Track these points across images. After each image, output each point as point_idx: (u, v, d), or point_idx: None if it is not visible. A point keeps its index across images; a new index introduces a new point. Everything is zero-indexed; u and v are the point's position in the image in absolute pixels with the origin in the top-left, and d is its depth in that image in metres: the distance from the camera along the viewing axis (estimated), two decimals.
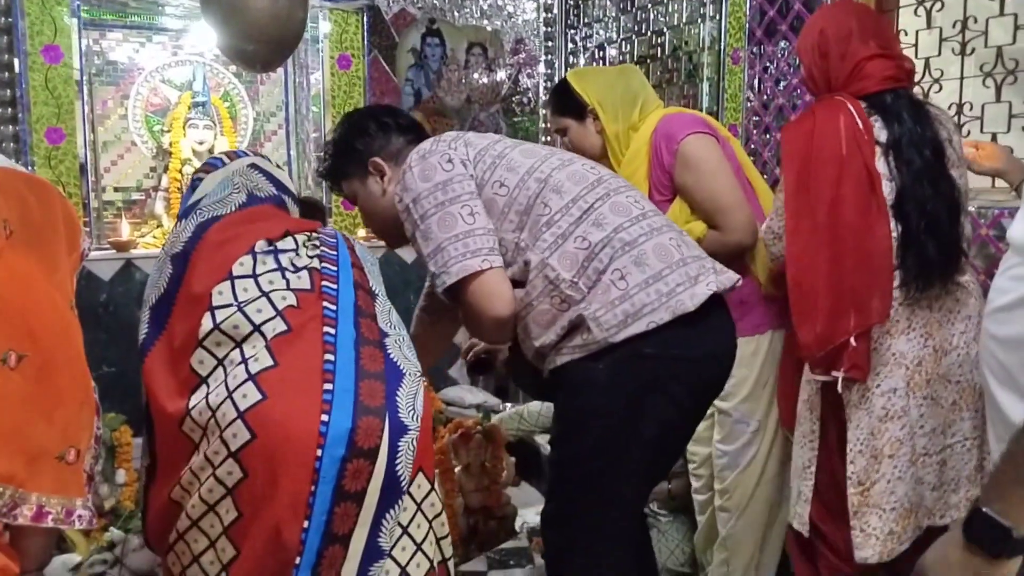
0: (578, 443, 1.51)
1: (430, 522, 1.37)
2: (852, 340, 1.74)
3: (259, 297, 1.35)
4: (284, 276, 1.41)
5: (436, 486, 1.40)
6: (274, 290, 1.38)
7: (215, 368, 1.32)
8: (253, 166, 1.68)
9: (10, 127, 3.20)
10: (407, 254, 3.75)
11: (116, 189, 3.66)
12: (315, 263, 1.45)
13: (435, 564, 1.38)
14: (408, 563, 1.32)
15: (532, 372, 1.67)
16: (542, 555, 1.64)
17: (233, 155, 1.71)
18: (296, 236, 1.50)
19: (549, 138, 4.41)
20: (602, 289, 1.44)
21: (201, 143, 3.58)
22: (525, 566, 2.06)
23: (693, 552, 2.44)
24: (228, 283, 1.37)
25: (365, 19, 3.92)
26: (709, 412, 1.96)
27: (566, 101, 2.19)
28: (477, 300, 1.51)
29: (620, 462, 1.49)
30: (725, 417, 2.19)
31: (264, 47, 2.41)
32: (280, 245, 1.46)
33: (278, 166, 1.77)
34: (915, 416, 1.80)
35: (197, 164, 3.57)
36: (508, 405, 3.29)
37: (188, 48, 3.74)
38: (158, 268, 1.50)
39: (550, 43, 4.44)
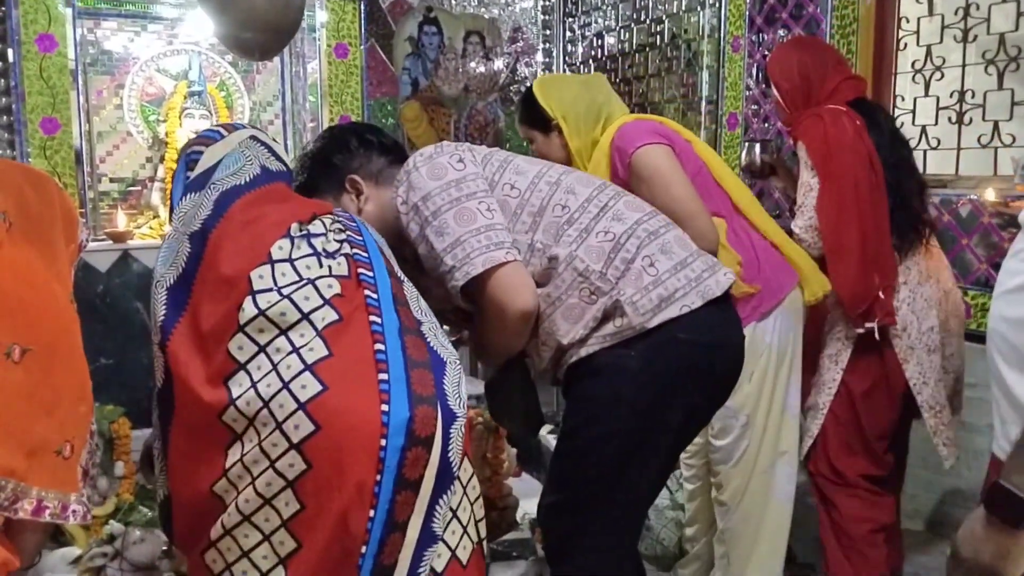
0: (601, 430, 1.50)
1: (472, 504, 1.39)
2: (880, 294, 2.15)
3: (304, 284, 1.33)
4: (321, 262, 1.38)
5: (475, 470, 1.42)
6: (319, 277, 1.35)
7: (256, 355, 1.28)
8: (254, 138, 1.62)
9: (4, 117, 3.17)
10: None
11: (112, 179, 3.63)
12: (346, 248, 1.42)
13: (475, 545, 1.39)
14: (457, 546, 1.33)
15: (522, 403, 1.76)
16: (551, 544, 1.63)
17: (231, 127, 1.65)
18: (323, 219, 1.46)
19: None
20: (634, 275, 1.47)
21: (197, 133, 3.55)
22: (528, 557, 2.06)
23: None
24: (268, 267, 1.34)
25: (362, 7, 3.89)
26: None
27: (532, 113, 2.17)
28: (503, 292, 1.48)
29: (643, 450, 1.50)
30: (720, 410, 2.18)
31: (262, 35, 2.39)
32: (311, 229, 1.43)
33: (273, 139, 1.71)
34: (945, 346, 2.28)
35: None
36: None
37: (183, 37, 3.71)
38: (172, 247, 1.42)
39: (548, 31, 4.42)
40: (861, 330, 2.20)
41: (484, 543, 1.44)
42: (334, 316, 1.31)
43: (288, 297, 1.31)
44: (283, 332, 1.29)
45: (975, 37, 2.66)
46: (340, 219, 1.49)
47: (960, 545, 1.04)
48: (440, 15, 4.18)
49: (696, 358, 1.48)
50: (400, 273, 1.48)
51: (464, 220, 1.49)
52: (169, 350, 1.34)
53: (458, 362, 1.38)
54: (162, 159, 3.57)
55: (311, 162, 1.74)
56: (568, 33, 4.38)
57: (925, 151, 2.82)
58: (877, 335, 2.19)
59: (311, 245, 1.39)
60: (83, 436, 1.25)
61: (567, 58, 4.39)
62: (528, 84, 4.42)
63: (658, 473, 1.60)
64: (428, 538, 1.28)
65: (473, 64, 4.30)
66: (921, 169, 2.82)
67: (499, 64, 4.38)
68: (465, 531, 1.36)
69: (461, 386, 1.35)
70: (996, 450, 1.43)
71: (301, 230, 1.41)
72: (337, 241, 1.42)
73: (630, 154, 2.00)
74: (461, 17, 4.24)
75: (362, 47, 3.90)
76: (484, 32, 4.31)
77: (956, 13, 2.69)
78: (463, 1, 4.26)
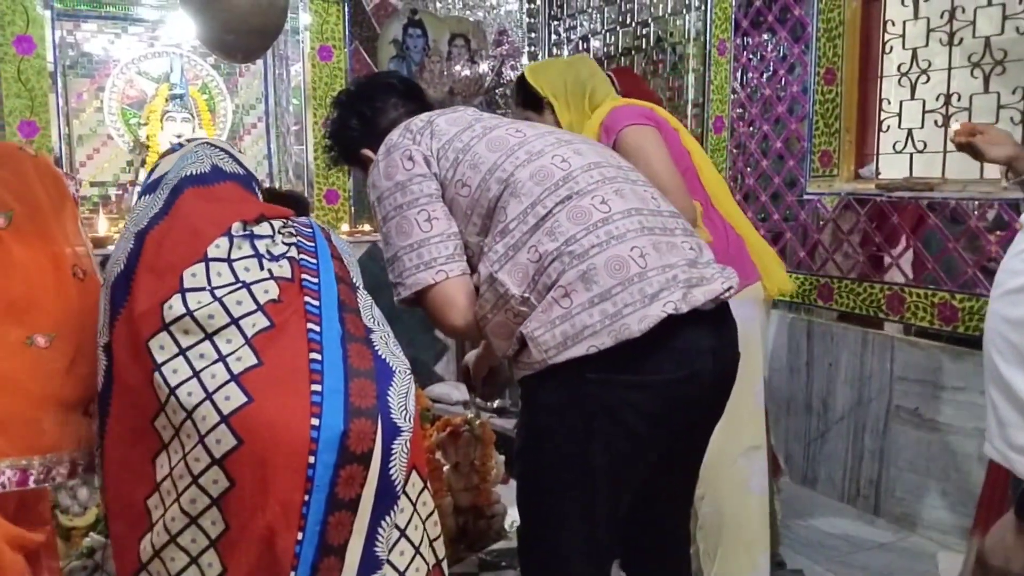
0: (532, 462, 1.44)
1: (423, 522, 1.32)
2: None
3: (239, 287, 1.26)
4: (262, 265, 1.31)
5: (427, 484, 1.35)
6: (256, 280, 1.29)
7: (174, 356, 1.22)
8: (209, 143, 1.59)
9: None
10: None
11: (92, 183, 3.58)
12: (293, 252, 1.37)
13: (431, 566, 1.32)
14: (408, 568, 1.27)
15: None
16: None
17: (190, 140, 1.64)
18: (272, 222, 1.40)
19: None
20: (544, 307, 1.33)
21: (179, 136, 3.51)
22: (516, 567, 2.03)
23: None
24: (202, 265, 1.27)
25: (346, 10, 3.86)
26: None
27: (525, 95, 2.25)
28: (432, 310, 1.49)
29: (572, 487, 1.40)
30: None
31: (245, 37, 2.36)
32: (256, 230, 1.37)
33: (234, 146, 1.68)
34: None
35: None
36: (495, 402, 3.26)
37: (165, 39, 3.67)
38: (119, 247, 1.38)
39: (533, 34, 4.40)
40: None
41: (444, 565, 1.36)
42: (265, 323, 1.24)
43: (220, 300, 1.25)
44: (208, 337, 1.23)
45: (960, 40, 2.66)
46: (294, 224, 1.43)
47: (989, 553, 1.03)
48: (425, 18, 4.15)
49: (609, 398, 1.33)
50: (358, 281, 1.43)
51: (402, 233, 1.47)
52: (113, 351, 1.29)
53: (409, 372, 1.31)
54: (143, 163, 3.53)
55: (331, 142, 1.75)
56: (554, 36, 4.36)
57: (911, 154, 2.82)
58: None
59: (253, 246, 1.33)
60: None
61: None
62: (512, 87, 4.42)
63: (613, 512, 1.44)
64: (371, 563, 1.21)
65: (458, 67, 4.27)
66: (907, 172, 2.83)
67: (484, 67, 4.35)
68: (417, 551, 1.28)
69: (409, 397, 1.27)
70: (990, 452, 1.42)
71: (244, 229, 1.34)
72: (285, 244, 1.36)
73: (617, 131, 2.04)
74: (446, 20, 4.22)
75: (346, 49, 3.87)
76: (469, 35, 4.29)
77: (941, 16, 2.69)
78: (448, 4, 4.24)
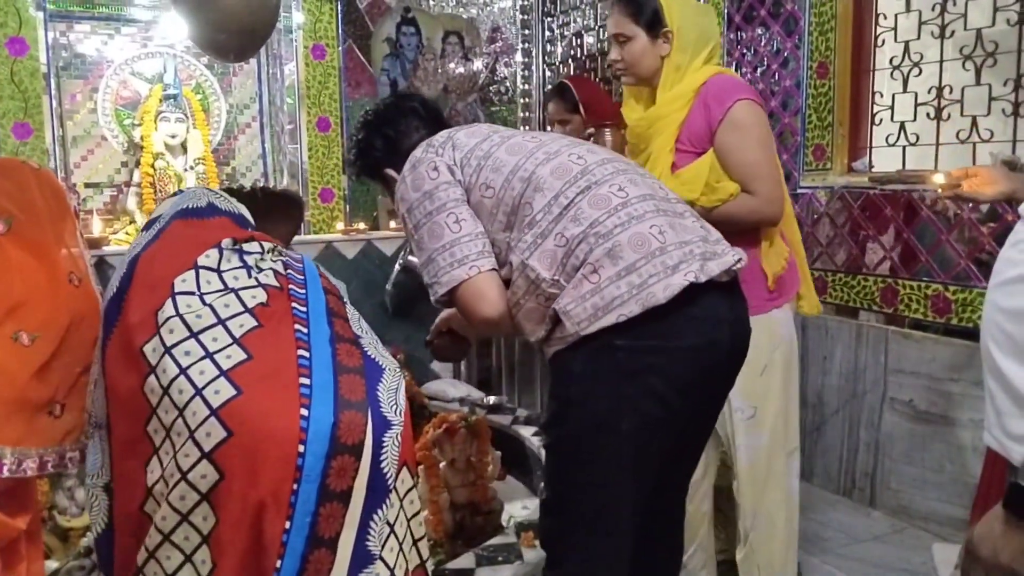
0: (560, 431, 1.52)
1: (408, 520, 1.33)
2: None
3: (227, 292, 1.30)
4: (250, 274, 1.36)
5: (418, 483, 1.36)
6: (243, 287, 1.32)
7: (162, 356, 1.24)
8: (209, 189, 1.67)
9: None
10: (387, 247, 3.71)
11: (87, 185, 3.58)
12: (280, 267, 1.42)
13: (413, 567, 1.32)
14: (395, 564, 1.27)
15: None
16: (541, 544, 1.61)
17: (184, 191, 1.71)
18: (263, 243, 1.46)
19: (528, 126, 4.38)
20: (574, 284, 1.44)
21: (173, 136, 3.52)
22: (513, 562, 2.03)
23: None
24: (192, 272, 1.31)
25: (339, 8, 3.86)
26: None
27: (644, 8, 2.04)
28: (465, 304, 1.56)
29: (602, 453, 1.47)
30: (727, 408, 2.08)
31: (237, 36, 2.36)
32: (245, 247, 1.43)
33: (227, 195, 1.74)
34: None
35: (170, 158, 3.51)
36: (491, 398, 3.26)
37: (158, 40, 3.67)
38: (115, 274, 1.44)
39: (527, 31, 4.40)
40: None
41: (428, 566, 1.37)
42: (253, 323, 1.28)
43: (209, 304, 1.28)
44: (193, 335, 1.25)
45: (952, 33, 2.67)
46: (286, 253, 1.49)
47: (978, 544, 1.03)
48: (418, 15, 4.15)
49: (637, 364, 1.42)
50: (346, 299, 1.48)
51: (434, 236, 1.56)
52: (106, 369, 1.33)
53: (398, 371, 1.34)
54: (138, 163, 3.53)
55: (357, 163, 1.87)
56: (547, 33, 4.36)
57: (904, 147, 2.82)
58: None
59: (242, 260, 1.38)
60: (78, 401, 1.44)
61: (546, 58, 4.38)
62: (507, 84, 4.42)
63: (638, 480, 1.52)
64: (362, 556, 1.21)
65: (452, 64, 4.27)
66: (900, 165, 2.84)
67: (478, 64, 4.36)
68: (401, 549, 1.29)
69: (399, 393, 1.30)
70: (988, 440, 1.42)
71: (234, 245, 1.40)
72: (273, 261, 1.41)
73: (734, 100, 1.96)
74: (439, 17, 4.22)
75: (339, 48, 3.87)
76: (463, 32, 4.29)
77: (933, 9, 2.70)
78: (441, 1, 4.24)
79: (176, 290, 1.28)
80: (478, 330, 1.72)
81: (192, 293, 1.28)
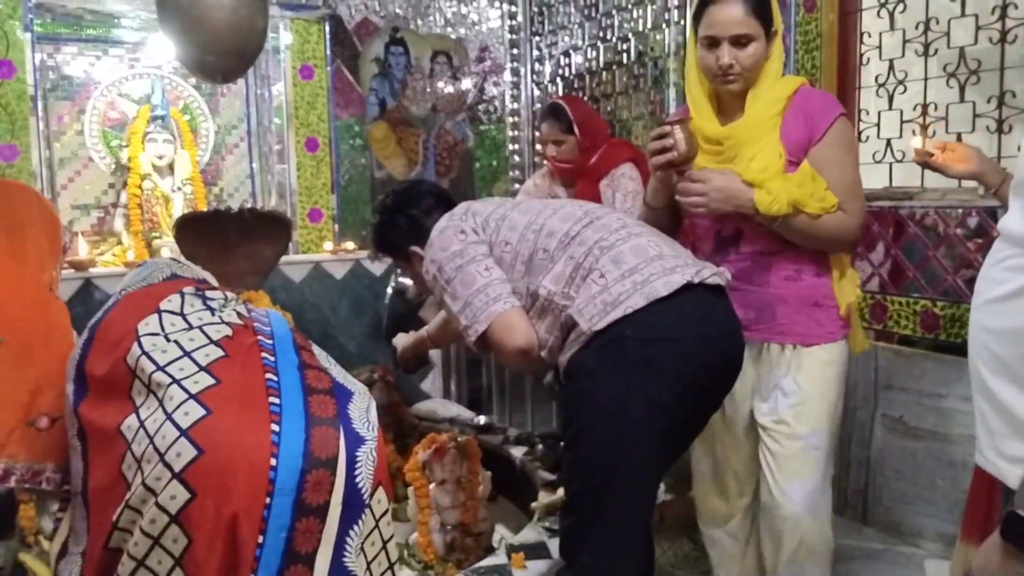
0: (575, 429, 1.63)
1: (384, 543, 1.32)
2: None
3: (191, 329, 1.32)
4: (213, 313, 1.40)
5: (392, 507, 1.36)
6: (207, 323, 1.36)
7: (147, 397, 1.26)
8: (175, 259, 1.71)
9: None
10: (376, 267, 3.70)
11: (74, 207, 3.56)
12: (243, 309, 1.45)
13: None
14: None
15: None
16: (560, 548, 1.70)
17: (155, 261, 1.74)
18: (226, 293, 1.51)
19: (517, 146, 4.39)
20: (585, 288, 1.63)
21: (161, 157, 3.51)
22: None
23: None
24: (155, 316, 1.34)
25: (327, 29, 3.87)
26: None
27: (765, 4, 1.88)
28: (500, 336, 1.72)
29: (615, 443, 1.57)
30: (790, 442, 1.93)
31: (224, 57, 2.36)
32: (208, 294, 1.47)
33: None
34: None
35: (157, 179, 3.50)
36: (482, 418, 3.24)
37: (146, 61, 3.66)
38: (78, 344, 1.47)
39: (515, 51, 4.42)
40: None
41: None
42: (220, 352, 1.30)
43: (174, 341, 1.30)
44: (161, 368, 1.26)
45: (936, 51, 2.69)
46: (248, 306, 1.52)
47: (977, 574, 1.02)
48: (406, 35, 4.17)
49: (646, 354, 1.57)
50: (314, 345, 1.49)
51: (467, 283, 1.74)
52: (85, 429, 1.34)
53: (367, 394, 1.36)
54: (125, 185, 3.51)
55: (380, 242, 2.09)
56: (535, 52, 4.39)
57: (891, 164, 2.84)
58: None
59: (205, 303, 1.42)
60: (61, 410, 1.40)
61: (535, 76, 4.40)
62: (496, 103, 4.44)
63: (647, 469, 1.63)
64: (340, 573, 1.21)
65: (441, 84, 4.29)
66: (887, 182, 2.85)
67: (467, 84, 4.37)
68: (368, 568, 1.28)
69: (370, 412, 1.32)
70: (980, 461, 1.41)
71: (197, 292, 1.42)
72: (235, 306, 1.44)
73: (837, 115, 1.89)
74: (428, 37, 4.24)
75: (328, 68, 3.87)
76: (451, 52, 4.31)
77: (917, 28, 2.72)
78: (430, 22, 4.25)
79: (140, 333, 1.31)
80: (511, 363, 1.82)
81: (156, 334, 1.31)
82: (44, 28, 3.43)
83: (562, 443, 1.76)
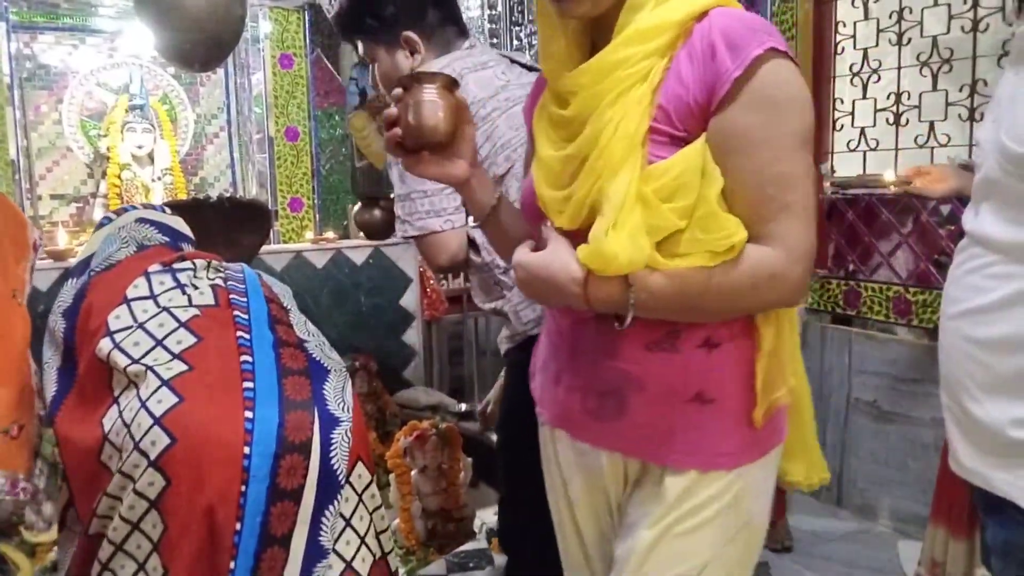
0: (505, 429, 1.60)
1: (371, 513, 1.34)
2: None
3: (159, 312, 1.32)
4: (184, 292, 1.37)
5: (375, 478, 1.38)
6: (176, 306, 1.34)
7: (126, 387, 1.27)
8: (141, 220, 1.64)
9: None
10: (357, 256, 3.71)
11: (53, 196, 3.54)
12: (219, 281, 1.43)
13: (376, 558, 1.34)
14: (354, 558, 1.28)
15: None
16: (501, 546, 1.65)
17: (122, 211, 1.68)
18: (195, 261, 1.47)
19: None
20: None
21: (140, 147, 3.49)
22: (485, 567, 2.05)
23: None
24: (124, 307, 1.33)
25: (306, 17, 3.86)
26: None
27: None
28: (427, 251, 1.61)
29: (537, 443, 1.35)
30: None
31: (202, 45, 2.35)
32: (176, 266, 1.43)
33: (173, 214, 1.71)
34: None
35: (137, 169, 3.49)
36: (463, 406, 3.27)
37: (124, 50, 3.64)
38: (51, 328, 1.45)
39: (495, 40, 4.43)
40: None
41: (390, 557, 1.39)
42: (192, 339, 1.29)
43: (142, 326, 1.30)
44: (135, 361, 1.27)
45: (909, 40, 2.73)
46: (222, 265, 1.49)
47: None
48: None
49: None
50: (289, 304, 1.49)
51: (420, 178, 1.36)
52: (56, 424, 1.34)
53: (344, 371, 1.37)
54: (104, 174, 3.49)
55: (365, 10, 1.73)
56: (515, 42, 4.39)
57: (865, 152, 2.88)
58: None
59: (175, 279, 1.40)
60: (30, 419, 1.35)
61: None
62: None
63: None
64: (316, 552, 1.23)
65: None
66: (861, 170, 2.89)
67: None
68: (363, 542, 1.30)
69: (346, 392, 1.32)
70: (955, 468, 1.33)
71: (163, 268, 1.41)
72: (210, 278, 1.42)
73: (760, 49, 0.97)
74: None
75: (307, 57, 3.86)
76: None
77: (890, 17, 2.76)
78: None
79: (111, 328, 1.30)
80: (431, 266, 1.72)
81: (128, 328, 1.30)
82: (20, 17, 3.40)
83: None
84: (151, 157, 3.55)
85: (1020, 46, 1.25)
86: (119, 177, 3.45)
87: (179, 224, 1.64)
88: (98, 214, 3.48)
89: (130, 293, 1.35)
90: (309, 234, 3.84)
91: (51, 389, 1.38)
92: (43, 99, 3.51)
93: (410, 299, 3.66)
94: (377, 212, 3.65)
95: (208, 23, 2.30)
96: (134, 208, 1.68)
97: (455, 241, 1.58)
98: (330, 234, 3.86)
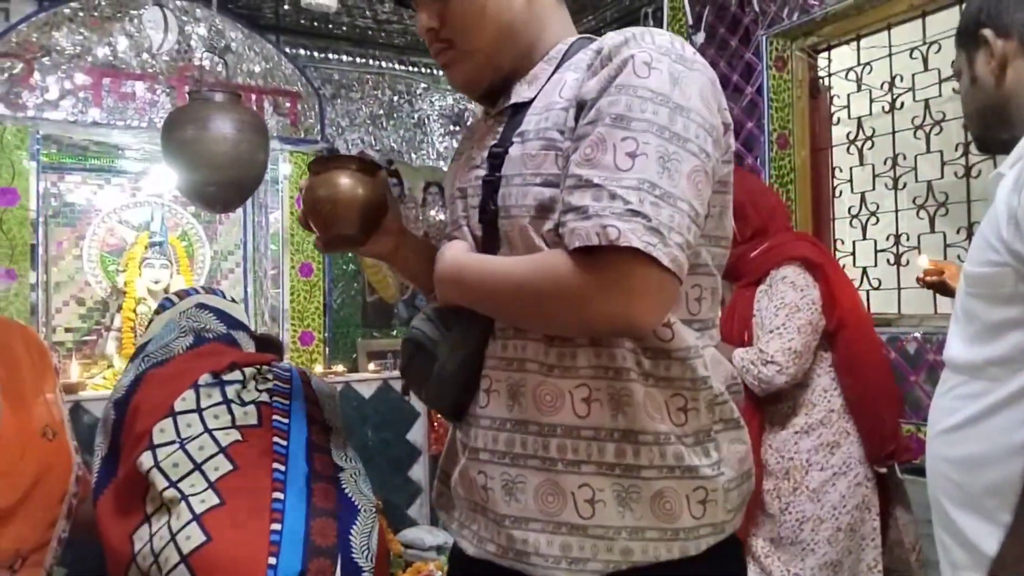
0: None
1: None
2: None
3: (201, 434, 1.33)
4: (230, 410, 1.38)
5: None
6: (218, 428, 1.35)
7: (159, 508, 1.28)
8: (201, 305, 1.67)
9: None
10: (365, 389, 3.71)
11: (67, 330, 3.60)
12: (264, 396, 1.43)
13: None
14: None
15: None
16: None
17: (184, 293, 1.71)
18: (244, 369, 1.48)
19: None
20: None
21: (156, 282, 3.58)
22: None
23: None
24: (170, 420, 1.35)
25: None
26: None
27: None
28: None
29: None
30: None
31: (225, 189, 2.45)
32: (226, 377, 1.44)
33: (232, 300, 1.75)
34: None
35: (152, 303, 3.56)
36: None
37: (147, 189, 3.79)
38: (104, 416, 1.48)
39: None
40: (883, 469, 2.18)
41: None
42: (228, 466, 1.30)
43: (183, 446, 1.31)
44: (172, 484, 1.28)
45: (904, 184, 2.83)
46: (273, 369, 1.50)
47: None
48: (401, 167, 4.34)
49: None
50: (335, 422, 1.48)
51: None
52: (97, 513, 1.36)
53: (373, 511, 1.36)
54: (119, 308, 3.56)
55: None
56: None
57: (868, 291, 2.93)
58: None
59: (223, 392, 1.41)
60: (40, 550, 1.37)
61: None
62: None
63: None
64: None
65: (432, 212, 4.43)
66: (865, 308, 2.93)
67: None
68: None
69: (372, 536, 1.32)
70: None
71: (214, 379, 1.42)
72: (258, 390, 1.43)
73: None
74: (420, 169, 4.41)
75: None
76: (443, 183, 4.47)
77: (885, 163, 2.87)
78: (422, 155, 4.43)
79: (155, 442, 1.31)
80: None
81: (172, 443, 1.31)
82: (50, 158, 3.56)
83: None
84: (167, 292, 3.62)
85: (986, 188, 1.33)
86: (134, 311, 3.51)
87: (236, 311, 1.67)
88: (110, 347, 3.52)
89: (177, 406, 1.36)
90: (318, 367, 3.86)
91: (94, 479, 1.41)
92: (66, 235, 3.63)
93: (417, 433, 3.64)
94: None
95: (232, 168, 2.41)
96: (196, 292, 1.71)
97: None
98: (339, 367, 3.88)
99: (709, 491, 0.97)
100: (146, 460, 1.30)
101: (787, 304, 2.11)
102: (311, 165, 1.10)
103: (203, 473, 1.28)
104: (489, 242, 1.02)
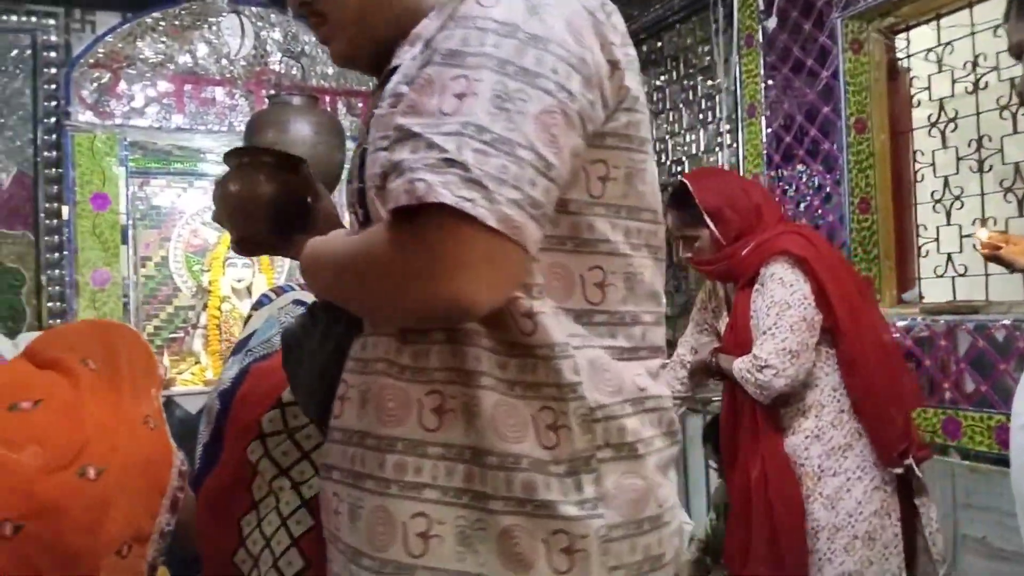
0: None
1: None
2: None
3: (308, 424, 1.37)
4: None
5: None
6: (313, 448, 1.40)
7: (267, 495, 1.32)
8: (298, 301, 1.72)
9: (56, 271, 3.33)
10: None
11: (156, 327, 3.75)
12: None
13: None
14: None
15: None
16: None
17: (280, 290, 1.76)
18: None
19: None
20: None
21: (239, 281, 3.69)
22: None
23: None
24: (278, 411, 1.39)
25: None
26: None
27: None
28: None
29: None
30: None
31: None
32: None
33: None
34: None
35: (235, 301, 3.68)
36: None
37: None
38: (208, 405, 1.53)
39: None
40: (899, 470, 2.09)
41: None
42: None
43: (291, 436, 1.35)
44: (283, 472, 1.32)
45: (990, 167, 2.74)
46: None
47: None
48: None
49: None
50: None
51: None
52: (199, 502, 1.39)
53: None
54: (204, 307, 3.69)
55: None
56: None
57: (953, 278, 2.84)
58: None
59: None
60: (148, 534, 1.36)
61: None
62: None
63: None
64: None
65: None
66: (951, 296, 2.85)
67: None
68: None
69: None
70: None
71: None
72: None
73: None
74: None
75: None
76: None
77: (969, 145, 2.78)
78: None
79: (265, 431, 1.37)
80: None
81: (279, 432, 1.36)
82: (136, 163, 3.71)
83: None
84: (249, 290, 3.74)
85: None
86: (219, 309, 3.64)
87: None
88: (197, 344, 3.66)
89: (284, 398, 1.41)
90: None
91: (197, 464, 1.45)
92: (152, 237, 3.78)
93: None
94: None
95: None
96: (292, 289, 1.76)
97: None
98: None
99: (575, 537, 0.75)
100: (256, 449, 1.35)
101: (777, 302, 2.03)
102: (225, 157, 0.95)
103: (311, 460, 1.32)
104: (366, 223, 0.86)
